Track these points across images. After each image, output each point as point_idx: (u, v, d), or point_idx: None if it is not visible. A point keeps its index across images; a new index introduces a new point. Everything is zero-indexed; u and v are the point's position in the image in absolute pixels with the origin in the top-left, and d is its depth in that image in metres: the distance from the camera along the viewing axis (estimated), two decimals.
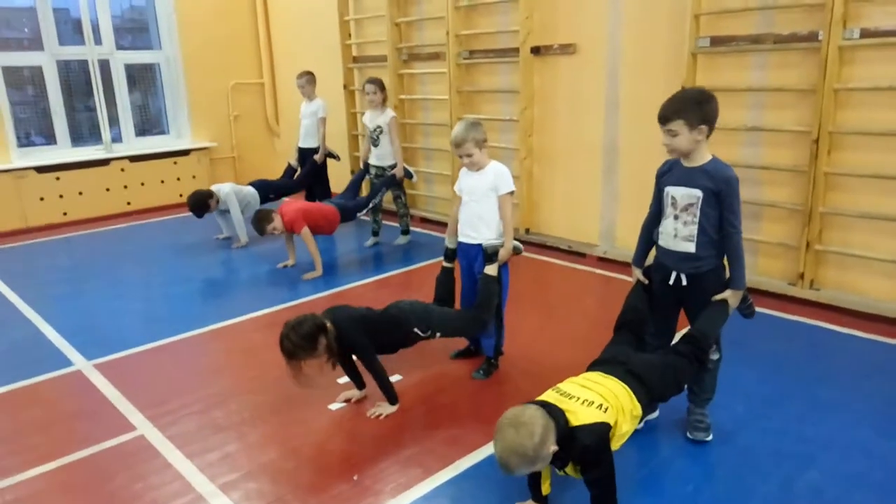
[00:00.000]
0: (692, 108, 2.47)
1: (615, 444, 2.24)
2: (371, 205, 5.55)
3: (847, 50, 3.83)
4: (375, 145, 5.61)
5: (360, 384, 3.18)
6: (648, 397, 2.40)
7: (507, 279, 3.41)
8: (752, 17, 4.18)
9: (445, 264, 3.49)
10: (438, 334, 3.24)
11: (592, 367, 2.52)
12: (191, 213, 5.92)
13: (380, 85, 5.50)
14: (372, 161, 5.70)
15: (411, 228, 5.99)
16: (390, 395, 3.06)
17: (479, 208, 3.31)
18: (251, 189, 6.23)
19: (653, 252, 2.79)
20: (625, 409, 2.27)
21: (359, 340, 2.98)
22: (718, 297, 2.58)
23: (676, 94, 2.56)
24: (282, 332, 2.83)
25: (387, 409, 3.05)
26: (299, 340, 2.79)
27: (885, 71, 3.73)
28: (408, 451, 2.79)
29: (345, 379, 3.24)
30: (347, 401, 3.17)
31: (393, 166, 5.60)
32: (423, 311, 3.22)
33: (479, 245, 3.31)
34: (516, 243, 3.38)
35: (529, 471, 2.12)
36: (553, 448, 2.06)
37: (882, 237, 3.89)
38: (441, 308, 3.35)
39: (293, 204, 5.14)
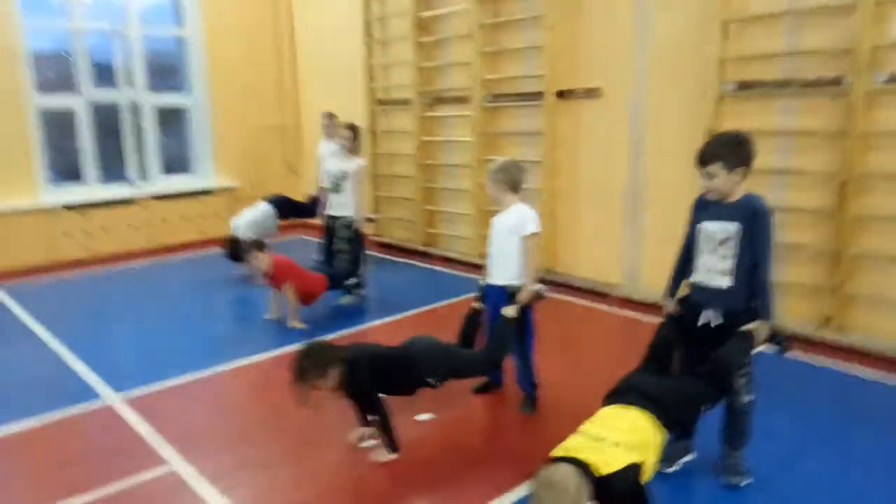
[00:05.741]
0: (730, 150, 2.52)
1: (645, 477, 2.23)
2: (360, 273, 5.33)
3: (874, 94, 3.88)
4: (337, 191, 5.33)
5: (367, 423, 3.12)
6: (668, 420, 2.40)
7: (531, 321, 3.37)
8: (778, 62, 4.26)
9: (475, 305, 3.46)
10: (451, 378, 3.17)
11: (609, 398, 2.52)
12: (227, 256, 5.94)
13: (356, 133, 5.32)
14: (332, 211, 5.41)
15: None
16: (391, 441, 2.97)
17: (499, 249, 3.33)
18: (268, 210, 6.35)
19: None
20: (649, 443, 2.27)
21: (361, 382, 2.91)
22: (745, 327, 2.57)
23: (714, 137, 2.61)
24: (301, 348, 2.84)
25: (384, 455, 2.95)
26: (313, 363, 2.79)
27: None
28: (443, 490, 2.77)
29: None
30: (361, 439, 3.09)
31: (352, 217, 5.29)
32: (444, 354, 3.14)
33: (500, 287, 3.32)
34: (539, 287, 3.33)
35: None
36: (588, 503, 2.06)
37: None
38: (461, 350, 3.30)
39: (287, 260, 4.90)
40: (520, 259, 3.27)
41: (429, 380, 3.08)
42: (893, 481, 2.74)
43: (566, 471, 2.09)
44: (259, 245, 4.87)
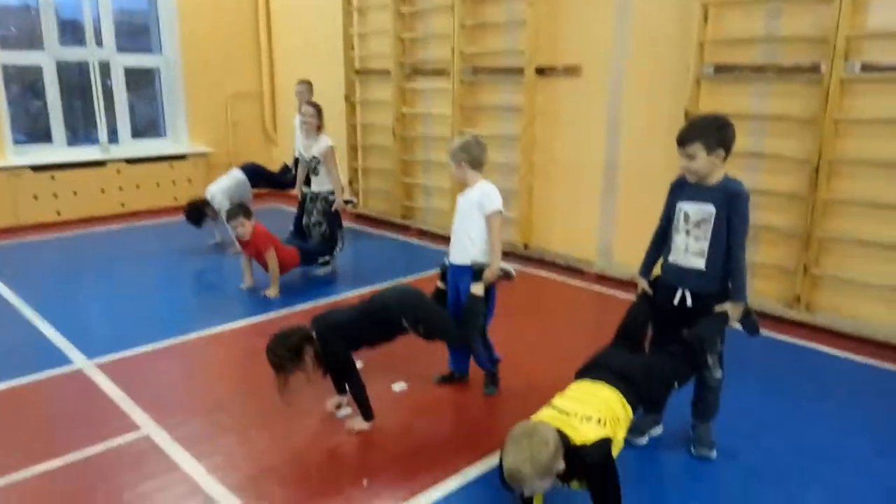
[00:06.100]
0: (710, 132, 2.55)
1: (614, 453, 2.29)
2: (339, 249, 5.35)
3: (848, 82, 3.95)
4: (316, 174, 5.26)
5: (343, 391, 3.16)
6: (637, 397, 2.46)
7: (493, 300, 3.32)
8: (756, 47, 4.31)
9: (439, 284, 3.39)
10: (422, 329, 3.11)
11: (581, 373, 2.57)
12: (187, 221, 5.95)
13: (319, 111, 5.21)
14: (312, 188, 5.33)
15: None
16: (366, 410, 2.99)
17: (463, 227, 3.27)
18: (241, 178, 6.21)
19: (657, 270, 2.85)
20: (619, 419, 2.34)
21: (334, 351, 2.92)
22: (719, 307, 2.63)
23: (696, 119, 2.65)
24: (268, 344, 2.82)
25: (360, 424, 2.98)
26: (285, 353, 2.79)
27: (884, 103, 3.85)
28: (416, 458, 2.81)
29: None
30: (338, 407, 3.14)
31: (332, 193, 5.25)
32: (417, 301, 3.12)
33: (464, 266, 3.24)
34: (507, 267, 3.29)
35: (537, 484, 2.09)
36: (562, 464, 2.10)
37: (877, 263, 3.99)
38: (436, 304, 3.27)
39: (266, 230, 4.89)
40: (484, 237, 3.22)
41: (403, 321, 3.05)
42: (854, 451, 2.86)
43: (548, 427, 2.14)
44: (247, 211, 4.82)
